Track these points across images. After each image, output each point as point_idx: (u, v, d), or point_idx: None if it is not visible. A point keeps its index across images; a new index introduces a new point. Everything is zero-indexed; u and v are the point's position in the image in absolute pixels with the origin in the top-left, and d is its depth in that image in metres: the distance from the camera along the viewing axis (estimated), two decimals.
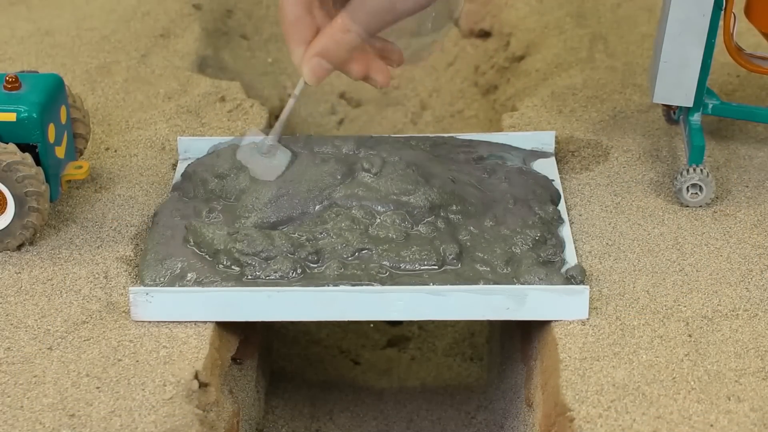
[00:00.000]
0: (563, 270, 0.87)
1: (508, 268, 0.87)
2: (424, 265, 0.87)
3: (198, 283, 0.86)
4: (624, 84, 1.13)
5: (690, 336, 0.83)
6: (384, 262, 0.86)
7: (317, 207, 0.90)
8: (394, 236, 0.88)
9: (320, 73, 0.85)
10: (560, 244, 0.90)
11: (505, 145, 1.01)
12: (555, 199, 0.96)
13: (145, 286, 0.86)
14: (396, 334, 1.19)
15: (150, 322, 0.85)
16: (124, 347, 0.83)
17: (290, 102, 0.88)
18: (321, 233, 0.88)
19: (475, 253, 0.88)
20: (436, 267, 0.87)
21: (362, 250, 0.87)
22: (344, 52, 0.84)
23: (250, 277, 0.86)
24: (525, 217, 0.91)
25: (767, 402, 0.78)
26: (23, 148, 0.89)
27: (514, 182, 0.95)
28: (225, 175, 0.94)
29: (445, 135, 1.02)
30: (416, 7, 0.83)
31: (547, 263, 0.88)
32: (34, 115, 0.89)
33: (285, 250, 0.87)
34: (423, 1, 0.83)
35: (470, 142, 1.01)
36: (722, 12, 0.93)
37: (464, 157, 0.99)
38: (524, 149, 1.01)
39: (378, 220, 0.89)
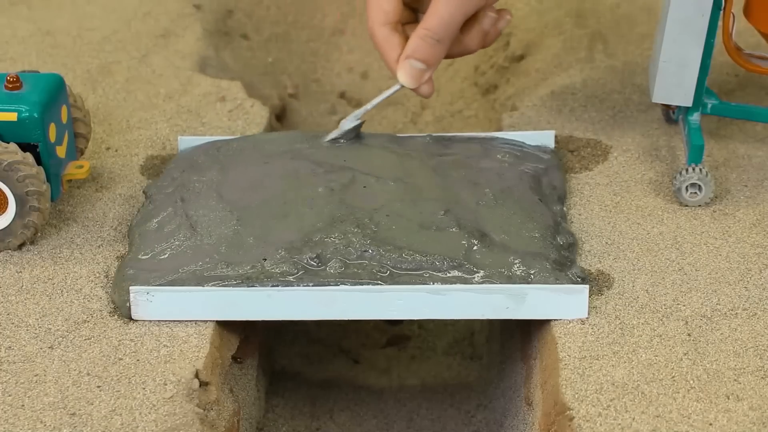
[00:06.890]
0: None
1: None
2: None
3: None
4: (624, 84, 1.13)
5: (689, 335, 0.83)
6: (386, 262, 0.86)
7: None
8: (397, 237, 0.88)
9: (414, 73, 0.89)
10: None
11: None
12: (563, 198, 0.95)
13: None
14: (396, 333, 1.19)
15: (150, 321, 0.85)
16: (125, 346, 0.83)
17: (379, 97, 0.89)
18: (324, 236, 0.88)
19: None
20: None
21: (365, 251, 0.87)
22: (431, 48, 0.88)
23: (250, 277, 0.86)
24: None
25: (766, 401, 0.78)
26: (24, 147, 0.89)
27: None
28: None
29: (447, 134, 1.02)
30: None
31: None
32: (35, 114, 0.89)
33: (284, 258, 0.86)
34: None
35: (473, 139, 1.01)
36: (721, 12, 0.93)
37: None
38: None
39: (382, 222, 0.89)
